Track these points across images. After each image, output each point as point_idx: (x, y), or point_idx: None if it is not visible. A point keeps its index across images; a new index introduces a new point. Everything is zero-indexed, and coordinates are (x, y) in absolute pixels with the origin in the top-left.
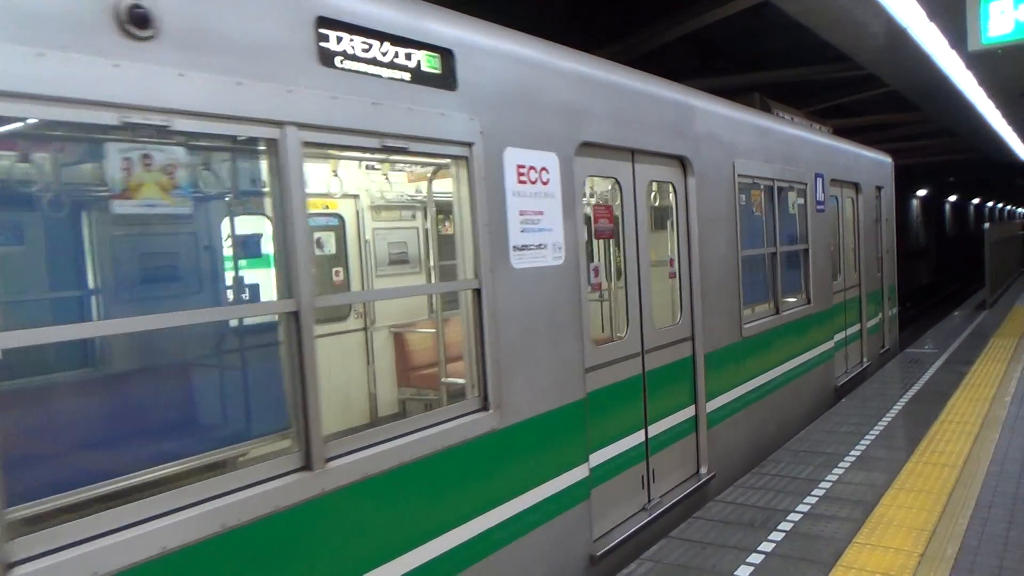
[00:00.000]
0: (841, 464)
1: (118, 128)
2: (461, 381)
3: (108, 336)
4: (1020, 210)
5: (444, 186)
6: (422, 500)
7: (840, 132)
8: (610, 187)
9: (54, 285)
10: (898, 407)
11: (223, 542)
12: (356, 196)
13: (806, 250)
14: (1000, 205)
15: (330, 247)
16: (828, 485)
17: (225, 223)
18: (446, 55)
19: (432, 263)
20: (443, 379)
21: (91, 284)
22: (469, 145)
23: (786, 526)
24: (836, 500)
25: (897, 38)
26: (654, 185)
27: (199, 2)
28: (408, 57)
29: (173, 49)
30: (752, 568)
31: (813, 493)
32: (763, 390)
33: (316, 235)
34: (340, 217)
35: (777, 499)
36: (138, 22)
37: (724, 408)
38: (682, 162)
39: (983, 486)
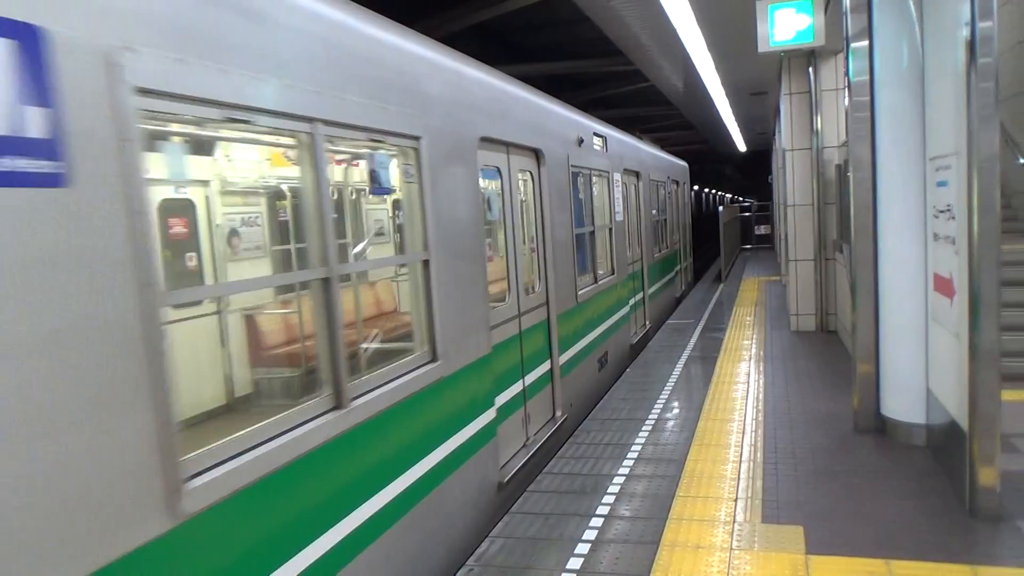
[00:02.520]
0: (644, 428)
1: None
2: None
3: None
4: (739, 198)
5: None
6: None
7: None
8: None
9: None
10: (677, 371)
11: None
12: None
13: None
14: (726, 195)
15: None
16: (639, 447)
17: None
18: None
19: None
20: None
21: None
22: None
23: (614, 489)
24: (651, 460)
25: (668, 42)
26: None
27: None
28: None
29: None
30: (596, 531)
31: (629, 456)
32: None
33: None
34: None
35: (599, 465)
36: None
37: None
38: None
39: (764, 436)
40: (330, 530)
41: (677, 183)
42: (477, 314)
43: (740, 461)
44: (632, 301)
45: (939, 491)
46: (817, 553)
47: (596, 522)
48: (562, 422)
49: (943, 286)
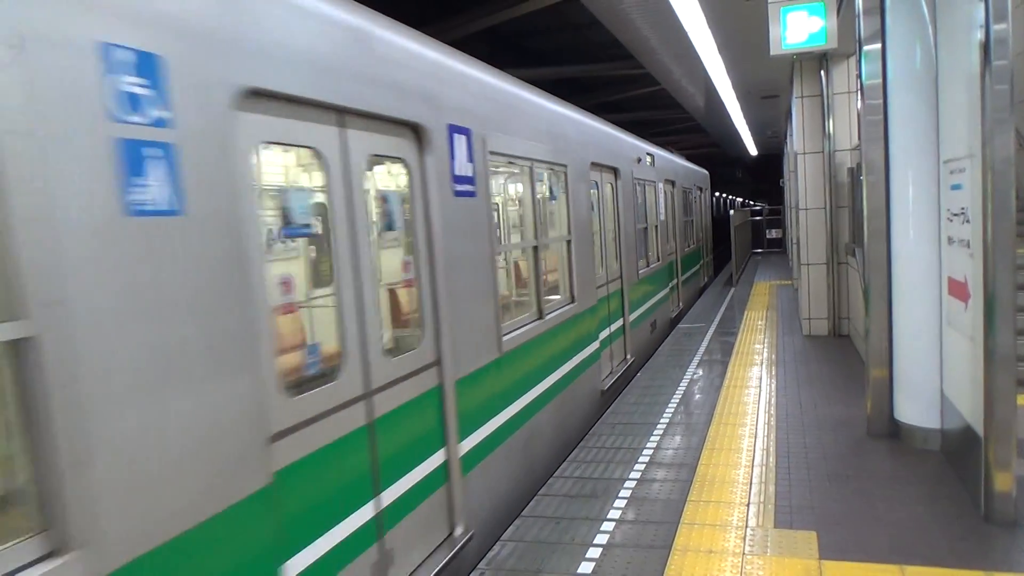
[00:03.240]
0: (655, 432)
1: None
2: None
3: None
4: (750, 201)
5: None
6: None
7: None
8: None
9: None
10: (688, 375)
11: None
12: None
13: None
14: (736, 198)
15: None
16: (651, 452)
17: None
18: None
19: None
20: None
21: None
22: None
23: (625, 493)
24: (662, 465)
25: (679, 45)
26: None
27: None
28: None
29: None
30: (607, 535)
31: (640, 460)
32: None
33: None
34: None
35: (610, 469)
36: None
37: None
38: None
39: (777, 440)
40: (530, 391)
41: (701, 189)
42: (590, 277)
43: (752, 465)
44: (670, 284)
45: (954, 496)
46: (830, 558)
47: (607, 526)
48: (631, 363)
49: (958, 290)
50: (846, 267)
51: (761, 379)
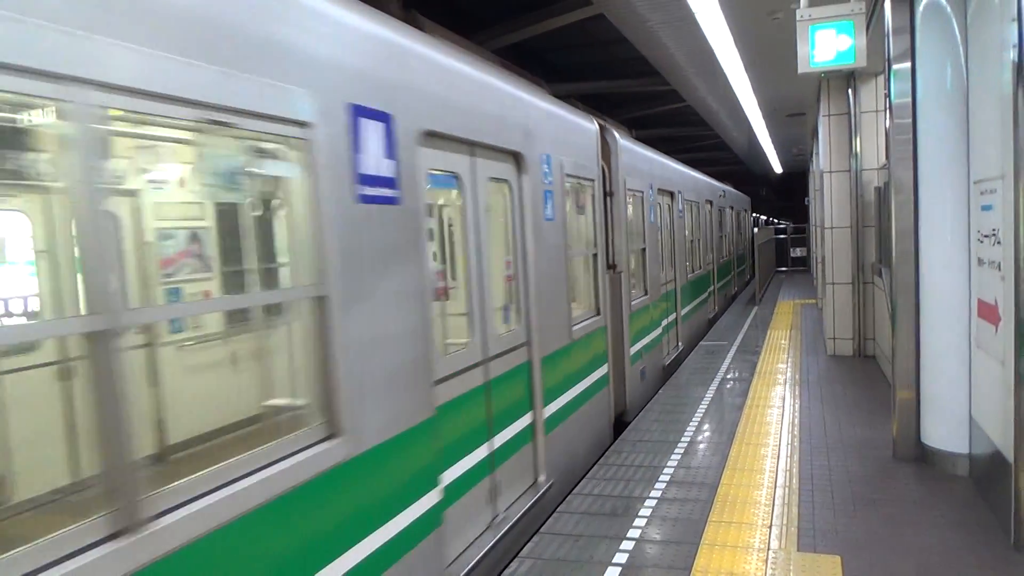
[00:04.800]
0: (676, 450)
1: None
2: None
3: None
4: (774, 219)
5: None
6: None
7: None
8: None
9: None
10: (710, 394)
11: None
12: None
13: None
14: (760, 216)
15: None
16: (671, 470)
17: None
18: None
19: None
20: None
21: None
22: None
23: (646, 512)
24: (683, 484)
25: (705, 62)
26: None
27: None
28: None
29: None
30: (627, 555)
31: (661, 479)
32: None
33: None
34: None
35: (630, 487)
36: None
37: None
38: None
39: (800, 462)
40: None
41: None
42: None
43: (775, 487)
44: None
45: (982, 523)
46: None
47: (627, 545)
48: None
49: (988, 312)
50: (872, 287)
51: (784, 399)
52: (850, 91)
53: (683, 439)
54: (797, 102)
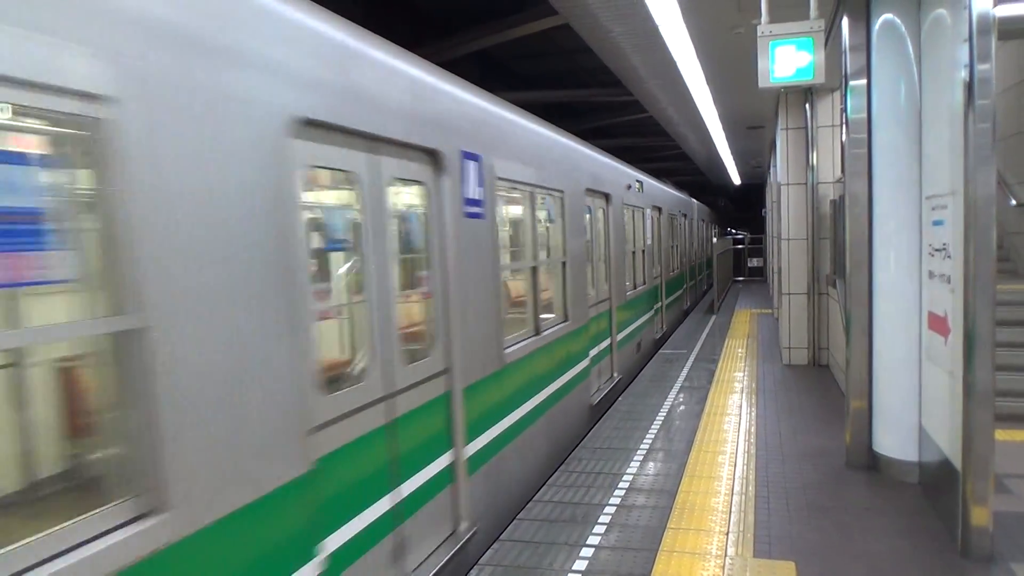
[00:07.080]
0: (636, 457)
1: None
2: None
3: None
4: (732, 230)
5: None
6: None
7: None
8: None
9: None
10: (668, 402)
11: None
12: None
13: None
14: (717, 226)
15: None
16: (631, 477)
17: None
18: None
19: None
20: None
21: None
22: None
23: (605, 519)
24: (642, 491)
25: (668, 74)
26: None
27: None
28: None
29: None
30: (587, 562)
31: (620, 486)
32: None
33: None
34: None
35: (590, 494)
36: None
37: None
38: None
39: (756, 469)
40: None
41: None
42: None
43: (732, 494)
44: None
45: (931, 530)
46: None
47: (586, 552)
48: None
49: (938, 324)
50: (827, 298)
51: (741, 407)
52: (807, 105)
53: (642, 446)
54: (757, 115)
